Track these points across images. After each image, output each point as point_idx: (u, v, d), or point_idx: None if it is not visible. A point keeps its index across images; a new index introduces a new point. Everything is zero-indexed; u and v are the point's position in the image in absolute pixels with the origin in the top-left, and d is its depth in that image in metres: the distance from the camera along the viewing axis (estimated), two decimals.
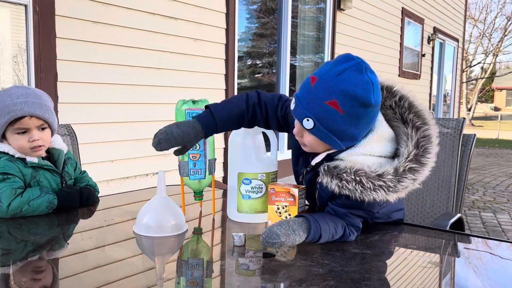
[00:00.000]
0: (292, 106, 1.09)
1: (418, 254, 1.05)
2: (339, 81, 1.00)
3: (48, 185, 1.36)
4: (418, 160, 1.04)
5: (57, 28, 2.55)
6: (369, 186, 1.02)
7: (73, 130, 1.84)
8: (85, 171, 1.58)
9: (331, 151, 1.12)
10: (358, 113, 1.01)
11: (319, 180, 1.08)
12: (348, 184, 1.03)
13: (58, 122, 1.47)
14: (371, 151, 1.07)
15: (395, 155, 1.10)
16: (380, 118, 1.10)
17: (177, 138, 1.14)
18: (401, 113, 1.10)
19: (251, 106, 1.22)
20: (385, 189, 1.02)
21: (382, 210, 1.20)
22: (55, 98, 2.56)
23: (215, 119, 1.18)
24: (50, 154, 1.44)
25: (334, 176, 1.05)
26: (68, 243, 1.15)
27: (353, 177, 1.03)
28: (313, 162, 1.16)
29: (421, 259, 1.02)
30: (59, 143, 1.48)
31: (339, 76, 1.00)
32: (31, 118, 1.33)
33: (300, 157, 1.25)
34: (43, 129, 1.37)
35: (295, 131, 1.12)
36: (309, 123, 1.04)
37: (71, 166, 1.49)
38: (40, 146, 1.36)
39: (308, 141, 1.10)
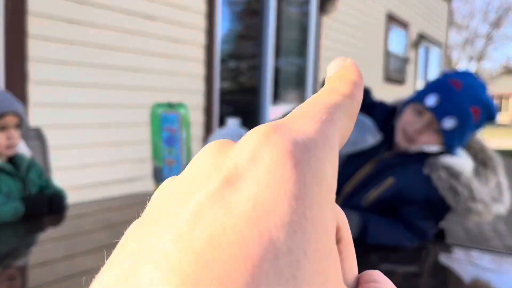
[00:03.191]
0: (432, 101, 1.09)
1: (399, 263, 1.02)
2: (484, 92, 1.10)
3: (9, 191, 1.31)
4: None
5: (29, 26, 2.47)
6: (473, 196, 1.06)
7: (42, 133, 1.77)
8: (49, 178, 1.53)
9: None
10: (481, 125, 1.12)
11: (432, 175, 1.09)
12: (462, 189, 1.06)
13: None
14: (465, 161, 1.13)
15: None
16: None
17: None
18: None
19: None
20: (484, 204, 1.07)
21: None
22: (25, 99, 2.48)
23: None
24: (13, 159, 1.39)
25: (452, 174, 1.07)
26: (35, 253, 1.10)
27: (466, 181, 1.06)
28: (415, 148, 1.15)
29: (401, 268, 1.00)
30: (22, 148, 1.44)
31: (484, 87, 1.10)
32: (13, 116, 1.33)
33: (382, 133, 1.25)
34: (16, 128, 1.37)
35: (418, 125, 1.12)
36: (448, 124, 1.08)
37: (36, 173, 1.44)
38: (15, 144, 1.36)
39: (426, 140, 1.13)
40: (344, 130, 0.16)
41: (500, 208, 1.10)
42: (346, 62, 0.19)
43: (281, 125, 0.15)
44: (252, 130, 0.16)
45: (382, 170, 1.20)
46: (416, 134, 1.14)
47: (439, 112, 1.09)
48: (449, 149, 1.13)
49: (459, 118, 1.07)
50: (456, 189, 1.07)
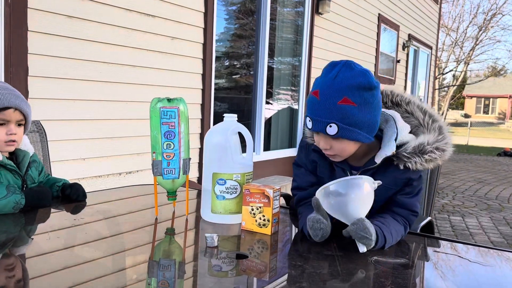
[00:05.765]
0: (309, 124, 1.15)
1: (389, 257, 1.06)
2: (340, 81, 1.10)
3: (8, 185, 1.31)
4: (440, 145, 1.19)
5: (29, 21, 2.48)
6: (443, 148, 1.17)
7: (42, 126, 1.79)
8: (49, 174, 1.55)
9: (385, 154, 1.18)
10: (367, 98, 1.11)
11: (408, 165, 1.16)
12: (433, 154, 1.15)
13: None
14: (405, 137, 1.20)
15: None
16: (397, 116, 1.23)
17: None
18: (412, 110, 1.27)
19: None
20: (438, 157, 1.17)
21: None
22: (25, 93, 2.49)
23: None
24: (15, 155, 1.40)
25: (419, 153, 1.16)
26: (34, 243, 1.11)
27: (431, 148, 1.16)
28: (378, 159, 1.19)
29: (392, 261, 1.04)
30: (26, 144, 1.44)
31: (337, 78, 1.10)
32: (14, 111, 1.32)
33: (335, 170, 1.26)
34: (19, 125, 1.35)
35: (322, 145, 1.17)
36: (332, 129, 1.11)
37: (36, 170, 1.45)
38: (15, 141, 1.34)
39: (338, 148, 1.16)
40: None
41: (449, 145, 1.20)
42: None
43: None
44: None
45: None
46: (327, 150, 1.17)
47: (318, 128, 1.13)
48: (363, 140, 1.14)
49: (335, 118, 1.09)
50: (432, 156, 1.16)
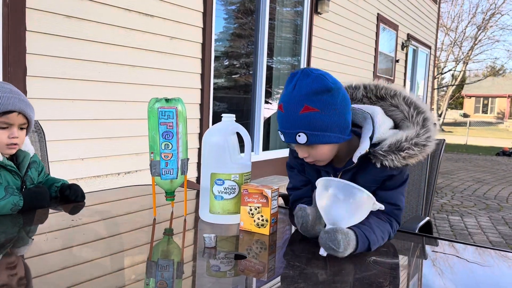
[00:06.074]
0: (282, 137, 1.18)
1: (387, 257, 1.06)
2: (298, 91, 1.12)
3: (7, 186, 1.32)
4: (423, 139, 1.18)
5: (27, 21, 2.48)
6: (423, 144, 1.15)
7: (40, 126, 1.79)
8: (48, 174, 1.55)
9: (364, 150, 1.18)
10: (328, 101, 1.11)
11: (384, 163, 1.15)
12: (410, 150, 1.14)
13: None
14: (384, 134, 1.19)
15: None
16: (379, 111, 1.22)
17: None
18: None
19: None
20: (418, 153, 1.16)
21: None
22: (23, 93, 2.48)
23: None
24: (15, 155, 1.40)
25: (396, 150, 1.14)
26: (32, 244, 1.11)
27: (409, 144, 1.15)
28: (355, 159, 1.18)
29: (390, 261, 1.04)
30: (27, 144, 1.44)
31: (295, 89, 1.12)
32: (18, 115, 1.32)
33: (320, 172, 1.27)
34: (21, 129, 1.35)
35: (300, 154, 1.20)
36: (301, 138, 1.13)
37: (35, 171, 1.45)
38: (16, 144, 1.34)
39: (316, 154, 1.18)
40: None
41: (431, 139, 1.19)
42: None
43: None
44: None
45: None
46: (307, 158, 1.20)
47: (288, 140, 1.16)
48: (335, 141, 1.15)
49: (301, 127, 1.12)
50: (410, 153, 1.14)
